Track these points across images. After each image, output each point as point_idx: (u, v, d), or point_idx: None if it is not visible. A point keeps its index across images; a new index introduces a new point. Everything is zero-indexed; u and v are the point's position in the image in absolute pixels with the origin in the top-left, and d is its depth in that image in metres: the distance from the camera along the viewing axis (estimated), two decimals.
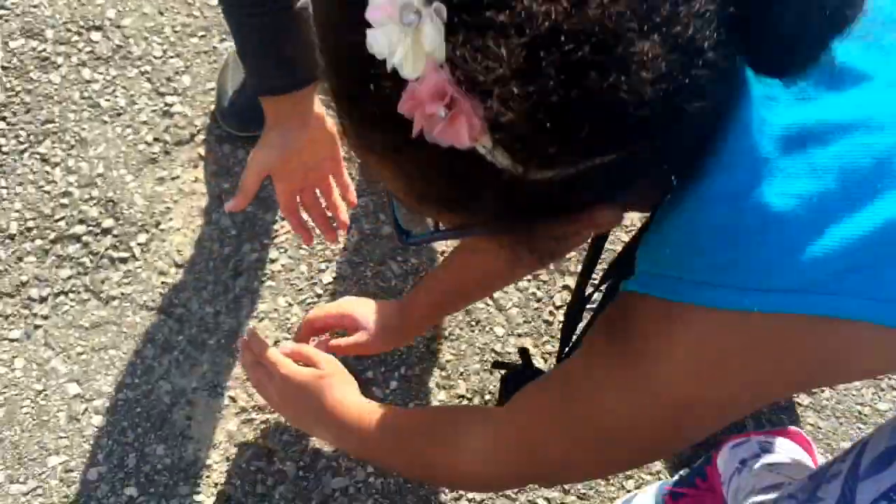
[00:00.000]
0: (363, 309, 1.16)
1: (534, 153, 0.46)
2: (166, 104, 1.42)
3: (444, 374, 1.28)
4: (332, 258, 1.34)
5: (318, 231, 1.19)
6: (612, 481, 1.22)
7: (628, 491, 1.21)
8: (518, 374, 1.08)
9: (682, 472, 1.19)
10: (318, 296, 1.32)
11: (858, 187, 0.52)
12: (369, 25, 0.44)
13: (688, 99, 0.46)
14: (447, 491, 1.19)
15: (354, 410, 0.95)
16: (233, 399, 1.24)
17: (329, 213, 1.18)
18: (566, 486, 1.21)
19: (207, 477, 1.19)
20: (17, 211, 1.33)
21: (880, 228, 0.51)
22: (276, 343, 1.28)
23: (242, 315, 1.30)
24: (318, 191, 1.15)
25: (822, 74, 0.53)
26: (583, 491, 1.21)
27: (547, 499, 1.20)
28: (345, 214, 1.18)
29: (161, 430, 1.21)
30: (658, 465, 1.24)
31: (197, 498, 1.17)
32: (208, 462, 1.20)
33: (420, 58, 0.43)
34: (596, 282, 0.81)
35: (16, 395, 1.22)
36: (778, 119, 0.54)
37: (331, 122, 1.08)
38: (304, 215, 1.17)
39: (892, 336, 0.53)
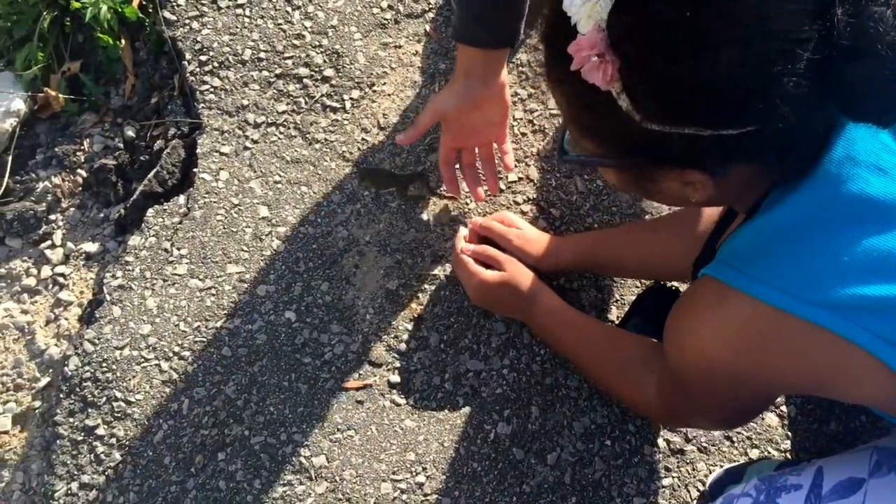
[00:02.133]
0: (531, 230, 1.28)
1: (646, 107, 0.65)
2: None
3: (599, 296, 1.30)
4: (523, 159, 1.37)
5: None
6: (735, 443, 1.21)
7: (751, 459, 1.21)
8: (651, 293, 1.21)
9: (814, 460, 1.16)
10: (500, 191, 1.36)
11: None
12: None
13: (769, 108, 0.62)
14: (571, 400, 1.22)
15: (545, 307, 1.18)
16: (398, 262, 1.31)
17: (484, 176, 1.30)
18: (689, 436, 1.21)
19: (359, 323, 1.27)
20: (253, 40, 1.43)
21: None
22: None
23: (427, 189, 1.35)
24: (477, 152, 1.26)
25: None
26: (705, 444, 1.21)
27: (668, 440, 1.21)
28: (496, 180, 1.29)
29: (330, 269, 1.30)
30: (786, 445, 1.22)
31: (345, 339, 1.26)
32: (362, 311, 1.28)
33: (591, 21, 0.64)
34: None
35: (214, 202, 1.34)
36: (875, 184, 0.69)
37: (508, 93, 1.17)
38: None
39: (883, 373, 0.68)
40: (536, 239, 1.26)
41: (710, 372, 0.81)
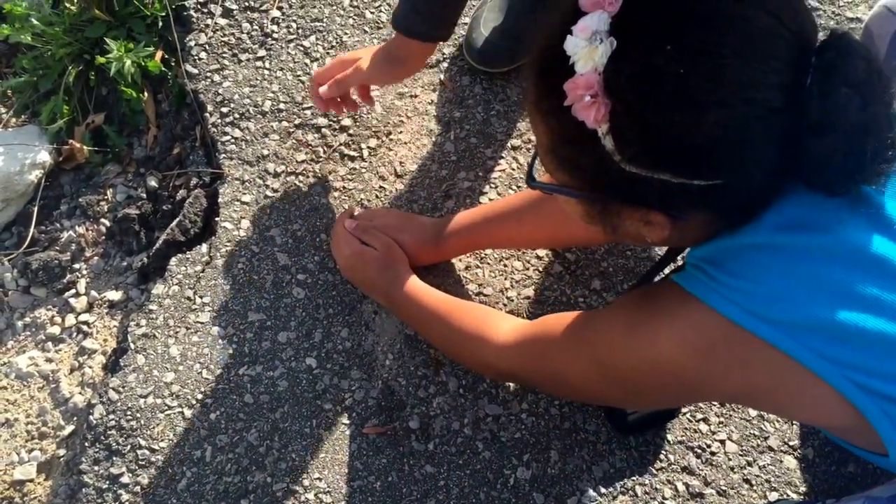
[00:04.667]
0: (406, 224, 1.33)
1: (628, 150, 0.70)
2: None
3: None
4: None
5: None
6: (755, 486, 1.22)
7: (769, 501, 1.21)
8: None
9: (829, 501, 1.17)
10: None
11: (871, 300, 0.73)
12: (570, 33, 0.70)
13: (740, 166, 0.69)
14: (590, 444, 1.23)
15: (403, 289, 1.23)
16: None
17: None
18: (707, 479, 1.22)
19: (378, 369, 1.28)
20: (272, 92, 1.47)
21: (870, 330, 0.72)
22: (466, 268, 1.36)
23: None
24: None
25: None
26: (724, 488, 1.22)
27: (686, 484, 1.22)
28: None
29: (349, 316, 1.32)
30: (804, 488, 1.23)
31: (364, 384, 1.27)
32: (382, 357, 1.29)
33: (590, 63, 0.68)
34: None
35: (236, 250, 1.36)
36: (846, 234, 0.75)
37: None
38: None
39: (822, 391, 0.74)
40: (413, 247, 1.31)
41: (650, 369, 0.84)
